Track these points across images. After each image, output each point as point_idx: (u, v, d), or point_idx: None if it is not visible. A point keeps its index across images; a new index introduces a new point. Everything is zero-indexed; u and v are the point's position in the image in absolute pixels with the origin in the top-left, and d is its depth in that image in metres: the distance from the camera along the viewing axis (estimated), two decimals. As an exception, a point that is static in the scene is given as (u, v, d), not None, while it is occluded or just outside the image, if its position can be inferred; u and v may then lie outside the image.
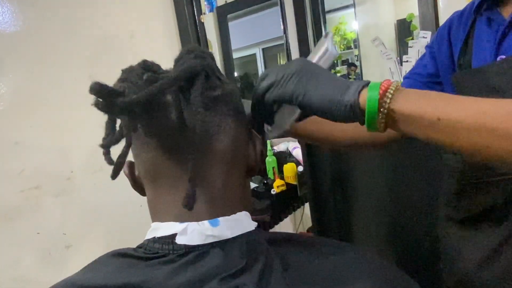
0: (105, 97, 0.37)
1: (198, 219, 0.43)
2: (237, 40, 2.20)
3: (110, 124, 0.40)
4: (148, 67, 0.45)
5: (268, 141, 1.75)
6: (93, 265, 0.46)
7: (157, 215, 0.46)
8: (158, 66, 0.46)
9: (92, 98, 0.37)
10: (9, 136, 1.01)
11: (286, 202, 1.56)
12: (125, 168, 0.49)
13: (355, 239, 1.48)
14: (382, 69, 1.98)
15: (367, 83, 0.44)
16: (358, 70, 2.39)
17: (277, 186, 1.52)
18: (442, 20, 1.52)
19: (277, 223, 1.54)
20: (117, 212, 1.20)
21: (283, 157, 1.73)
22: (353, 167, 1.41)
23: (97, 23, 1.20)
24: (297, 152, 1.71)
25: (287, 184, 1.58)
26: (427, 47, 0.81)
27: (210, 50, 1.69)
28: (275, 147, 1.81)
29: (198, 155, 0.41)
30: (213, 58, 0.47)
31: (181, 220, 0.43)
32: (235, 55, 2.15)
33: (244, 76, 2.78)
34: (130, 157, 0.47)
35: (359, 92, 0.44)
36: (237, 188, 0.48)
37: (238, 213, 0.46)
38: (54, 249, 1.09)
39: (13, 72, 1.03)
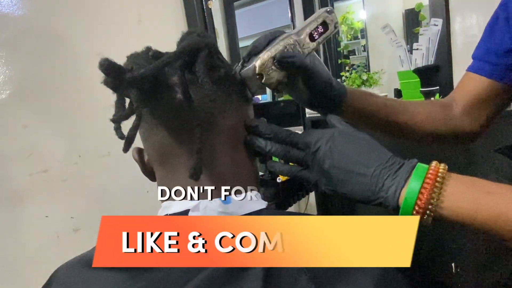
0: (113, 73, 0.37)
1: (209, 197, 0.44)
2: (244, 29, 2.19)
3: (120, 103, 0.41)
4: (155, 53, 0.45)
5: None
6: None
7: (169, 187, 0.46)
8: (162, 52, 0.47)
9: (100, 78, 0.38)
10: (17, 120, 1.02)
11: (292, 191, 1.55)
12: (134, 154, 0.50)
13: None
14: (390, 58, 1.97)
15: (406, 176, 0.40)
16: (358, 61, 2.37)
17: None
18: (453, 8, 1.49)
19: (282, 212, 1.54)
20: (125, 197, 1.21)
21: None
22: None
23: (106, 7, 1.19)
24: (304, 141, 1.69)
25: None
26: (500, 9, 0.60)
27: (216, 38, 1.68)
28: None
29: (205, 131, 0.42)
30: (215, 40, 0.47)
31: (195, 196, 0.43)
32: (242, 44, 2.14)
33: (250, 65, 2.74)
34: (139, 143, 0.48)
35: (399, 195, 0.39)
36: (246, 165, 0.48)
37: (249, 192, 0.46)
38: (62, 232, 1.10)
39: (21, 56, 1.03)
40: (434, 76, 1.16)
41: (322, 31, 0.51)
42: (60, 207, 1.09)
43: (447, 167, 0.40)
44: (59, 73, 1.09)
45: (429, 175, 0.39)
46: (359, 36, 2.31)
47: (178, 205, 0.44)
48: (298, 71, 0.50)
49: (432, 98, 1.17)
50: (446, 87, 1.31)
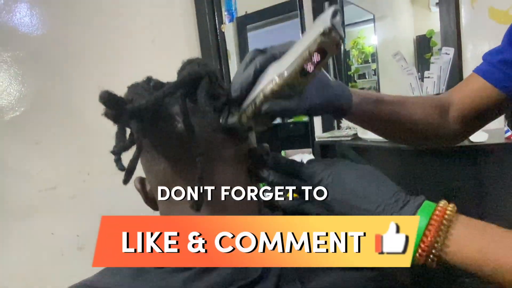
0: (114, 105, 0.38)
1: None
2: (255, 51, 2.22)
3: (120, 134, 0.41)
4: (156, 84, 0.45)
5: (282, 153, 1.75)
6: (108, 270, 0.46)
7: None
8: (163, 83, 0.47)
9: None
10: (30, 136, 1.03)
11: (296, 214, 1.53)
12: (136, 184, 0.50)
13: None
14: (400, 83, 1.97)
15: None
16: (368, 85, 2.38)
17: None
18: (465, 37, 1.50)
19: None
20: (130, 216, 1.21)
21: None
22: None
23: (120, 28, 1.22)
24: (312, 164, 1.69)
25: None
26: None
27: (228, 60, 1.70)
28: (289, 159, 1.80)
29: (207, 161, 0.42)
30: (216, 68, 0.47)
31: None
32: (253, 65, 2.18)
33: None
34: (141, 173, 0.47)
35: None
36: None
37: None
38: (67, 250, 1.09)
39: (37, 74, 1.05)
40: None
41: (318, 60, 0.38)
42: (66, 224, 1.09)
43: (456, 208, 0.38)
44: (73, 91, 1.11)
45: (435, 216, 0.37)
46: (370, 60, 2.33)
47: None
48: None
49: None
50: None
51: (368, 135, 1.36)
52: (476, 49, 1.51)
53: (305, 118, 2.20)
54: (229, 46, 1.82)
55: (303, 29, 2.00)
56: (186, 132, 0.40)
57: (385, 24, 2.28)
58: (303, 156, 1.77)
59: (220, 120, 0.43)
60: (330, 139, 1.49)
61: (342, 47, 2.21)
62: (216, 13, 1.33)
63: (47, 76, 1.07)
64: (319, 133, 1.96)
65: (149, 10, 1.29)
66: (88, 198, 1.13)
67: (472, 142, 1.06)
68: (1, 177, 1.00)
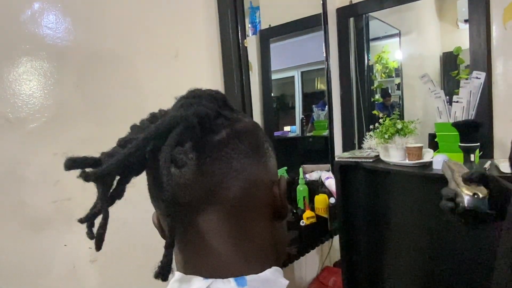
0: (81, 169, 0.37)
1: (223, 275, 0.40)
2: (277, 62, 2.20)
3: (100, 190, 0.39)
4: (154, 120, 0.43)
5: (300, 169, 1.71)
6: None
7: (181, 264, 0.44)
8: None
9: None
10: (49, 147, 1.03)
11: (315, 235, 1.50)
12: (154, 219, 0.48)
13: (386, 282, 1.40)
14: (425, 102, 1.91)
15: None
16: (393, 100, 2.33)
17: (307, 218, 1.47)
18: (495, 58, 1.43)
19: (303, 255, 1.48)
20: (145, 230, 1.19)
21: (315, 187, 1.68)
22: (391, 204, 1.34)
23: (144, 43, 1.21)
24: (330, 183, 1.66)
25: (317, 216, 1.52)
26: None
27: (250, 71, 1.69)
28: (307, 175, 1.77)
29: (198, 211, 0.40)
30: (215, 99, 0.43)
31: (206, 274, 0.40)
32: (274, 76, 2.15)
33: (281, 97, 2.79)
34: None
35: None
36: (264, 237, 0.44)
37: (268, 270, 0.42)
38: (79, 262, 1.08)
39: (59, 86, 1.05)
40: (475, 132, 1.10)
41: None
42: (79, 236, 1.07)
43: None
44: (93, 104, 1.11)
45: None
46: (394, 74, 2.28)
47: (189, 282, 0.41)
48: None
49: (472, 155, 1.11)
50: (487, 144, 1.24)
51: (391, 158, 1.31)
52: (508, 71, 1.45)
53: (325, 133, 2.17)
54: (251, 57, 1.80)
55: (326, 42, 1.97)
56: (153, 190, 0.40)
57: (410, 39, 2.24)
58: (321, 173, 1.74)
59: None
60: (351, 159, 1.44)
61: (365, 62, 2.17)
62: (239, 28, 1.31)
63: (69, 88, 1.07)
64: (339, 149, 1.93)
65: (172, 23, 1.28)
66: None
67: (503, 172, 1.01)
68: (18, 187, 1.00)
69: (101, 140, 1.09)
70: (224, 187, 0.40)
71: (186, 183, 0.39)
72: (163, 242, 0.38)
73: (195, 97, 0.43)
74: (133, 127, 0.43)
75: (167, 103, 0.48)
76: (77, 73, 1.08)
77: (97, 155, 0.38)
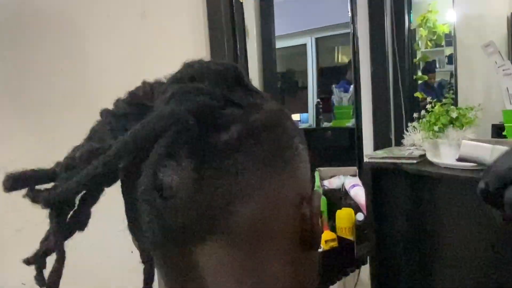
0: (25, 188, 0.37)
1: None
2: (283, 25, 2.18)
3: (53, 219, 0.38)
4: (135, 103, 0.41)
5: (316, 173, 1.71)
6: None
7: None
8: (150, 96, 0.42)
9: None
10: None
11: (337, 265, 1.53)
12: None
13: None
14: (489, 82, 1.90)
15: None
16: (441, 78, 2.34)
17: (326, 241, 1.49)
18: None
19: (320, 292, 1.49)
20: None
21: (337, 198, 1.70)
22: (443, 221, 1.35)
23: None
24: (357, 192, 1.66)
25: (340, 239, 1.55)
26: None
27: (246, 37, 1.67)
28: (325, 182, 1.76)
29: (201, 239, 0.40)
30: (224, 79, 0.42)
31: None
32: (279, 45, 2.14)
33: (287, 73, 2.77)
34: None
35: None
36: (287, 277, 0.44)
37: None
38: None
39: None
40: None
41: None
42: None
43: None
44: (24, 84, 1.11)
45: None
46: (443, 43, 2.29)
47: None
48: None
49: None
50: None
51: (443, 159, 1.30)
52: None
53: (349, 123, 2.16)
54: (249, 19, 1.79)
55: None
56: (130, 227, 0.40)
57: (467, -5, 2.24)
58: (345, 179, 1.73)
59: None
60: (386, 160, 1.43)
61: (406, 25, 2.16)
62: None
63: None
64: (369, 146, 1.91)
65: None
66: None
67: None
68: None
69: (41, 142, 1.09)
70: (232, 210, 0.39)
71: (177, 204, 0.38)
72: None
73: (193, 79, 0.41)
74: (105, 114, 0.41)
75: (130, 81, 0.45)
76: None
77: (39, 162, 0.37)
